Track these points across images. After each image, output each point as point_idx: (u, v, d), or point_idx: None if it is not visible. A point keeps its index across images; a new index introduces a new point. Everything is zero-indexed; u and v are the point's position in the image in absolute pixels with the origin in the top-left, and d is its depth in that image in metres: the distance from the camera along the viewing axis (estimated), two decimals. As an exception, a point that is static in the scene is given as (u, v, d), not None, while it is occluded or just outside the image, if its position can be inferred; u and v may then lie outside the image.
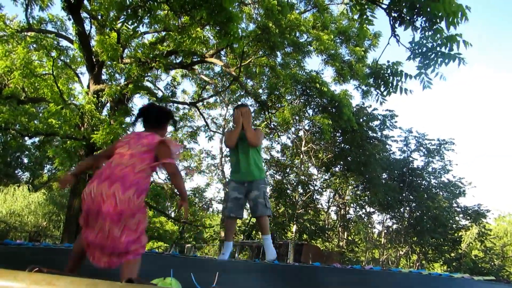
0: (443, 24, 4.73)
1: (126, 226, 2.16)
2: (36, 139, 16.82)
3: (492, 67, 61.07)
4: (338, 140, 18.86)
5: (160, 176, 17.82)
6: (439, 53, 4.97)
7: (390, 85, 5.89)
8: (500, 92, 62.03)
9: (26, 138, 15.21)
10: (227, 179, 25.17)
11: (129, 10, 7.40)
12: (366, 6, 5.54)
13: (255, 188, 3.78)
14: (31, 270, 1.20)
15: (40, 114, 14.92)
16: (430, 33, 4.98)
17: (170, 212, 23.39)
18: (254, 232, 22.74)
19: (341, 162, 19.15)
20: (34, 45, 13.33)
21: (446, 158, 19.46)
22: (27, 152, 22.96)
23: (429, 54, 5.07)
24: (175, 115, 18.21)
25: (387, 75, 5.90)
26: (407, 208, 20.07)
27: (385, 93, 6.04)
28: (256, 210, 3.72)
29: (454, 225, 19.30)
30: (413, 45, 5.17)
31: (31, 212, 21.05)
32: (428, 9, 4.56)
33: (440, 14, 4.46)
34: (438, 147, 19.42)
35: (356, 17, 5.77)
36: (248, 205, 4.05)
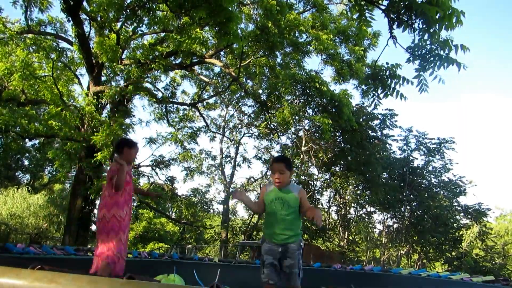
0: (437, 27, 4.75)
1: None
2: (36, 141, 16.85)
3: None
4: (338, 140, 18.86)
5: (160, 178, 17.84)
6: (438, 56, 4.99)
7: (388, 87, 5.89)
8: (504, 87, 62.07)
9: (27, 140, 15.22)
10: (227, 179, 25.24)
11: (128, 11, 7.42)
12: (365, 7, 5.55)
13: (291, 255, 3.37)
14: (34, 267, 1.21)
15: (40, 116, 14.92)
16: (427, 35, 5.00)
17: (171, 213, 23.41)
18: (255, 232, 22.76)
19: (342, 162, 19.16)
20: (34, 47, 13.37)
21: (447, 157, 19.48)
22: (27, 154, 22.98)
23: (428, 56, 5.08)
24: (175, 116, 18.27)
25: (385, 77, 5.91)
26: (408, 207, 20.08)
27: (382, 95, 6.05)
28: (290, 279, 3.38)
29: (455, 224, 19.31)
30: (413, 47, 5.19)
31: (32, 214, 21.06)
32: (424, 11, 4.57)
33: (437, 16, 4.48)
34: (438, 146, 19.43)
35: (355, 17, 5.78)
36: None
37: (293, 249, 3.37)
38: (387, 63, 6.13)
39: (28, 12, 11.90)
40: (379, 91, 6.26)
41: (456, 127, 59.75)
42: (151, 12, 7.60)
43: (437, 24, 4.75)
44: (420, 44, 5.24)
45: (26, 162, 24.79)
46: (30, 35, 13.22)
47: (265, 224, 3.61)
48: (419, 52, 5.27)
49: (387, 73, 6.07)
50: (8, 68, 11.34)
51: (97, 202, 18.68)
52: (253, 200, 3.80)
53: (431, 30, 4.97)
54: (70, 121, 11.83)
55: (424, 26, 5.10)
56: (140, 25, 8.90)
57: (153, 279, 1.62)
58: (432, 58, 5.10)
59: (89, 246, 13.41)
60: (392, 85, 5.98)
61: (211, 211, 28.74)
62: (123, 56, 13.11)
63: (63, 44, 14.62)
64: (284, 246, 3.38)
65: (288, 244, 3.37)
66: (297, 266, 3.36)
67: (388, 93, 6.03)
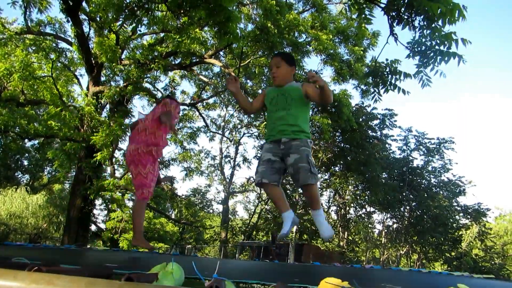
0: (440, 23, 4.74)
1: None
2: (36, 142, 16.83)
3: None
4: (338, 140, 18.86)
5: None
6: (438, 52, 4.98)
7: (388, 83, 5.89)
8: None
9: (26, 140, 15.21)
10: (227, 180, 25.22)
11: (127, 11, 7.41)
12: (364, 6, 5.56)
13: (295, 150, 2.85)
14: (31, 269, 1.20)
15: (40, 117, 14.91)
16: (428, 32, 4.99)
17: (170, 213, 23.40)
18: (254, 232, 22.75)
19: (341, 162, 19.15)
20: (33, 48, 13.35)
21: (446, 157, 19.48)
22: (27, 155, 22.96)
23: (428, 52, 5.08)
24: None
25: (385, 73, 5.91)
26: (407, 208, 20.07)
27: (382, 91, 6.04)
28: (298, 177, 2.81)
29: (454, 224, 19.30)
30: (413, 43, 5.18)
31: (31, 214, 21.05)
32: (426, 8, 4.57)
33: (438, 12, 4.47)
34: (437, 146, 19.43)
35: (354, 16, 5.78)
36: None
37: (297, 145, 2.87)
38: (386, 60, 6.12)
39: (27, 13, 11.89)
40: (380, 87, 6.26)
41: (456, 127, 59.77)
42: (150, 13, 7.59)
43: (440, 20, 4.73)
44: (420, 40, 5.23)
45: (25, 162, 24.79)
46: (29, 36, 13.21)
47: (267, 126, 3.18)
48: (419, 49, 5.27)
49: (387, 69, 6.07)
50: (8, 69, 11.33)
51: (97, 202, 18.71)
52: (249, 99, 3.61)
53: (433, 26, 4.97)
54: (69, 121, 11.82)
55: (424, 23, 5.10)
56: (139, 25, 8.90)
57: (151, 274, 1.61)
58: (432, 54, 5.10)
59: (88, 246, 13.41)
60: (393, 81, 5.99)
61: (211, 211, 28.76)
62: (123, 56, 13.10)
63: (62, 45, 14.63)
64: (287, 143, 2.90)
65: (291, 141, 2.89)
66: (306, 161, 2.81)
67: (389, 88, 6.03)
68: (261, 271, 4.03)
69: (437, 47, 4.99)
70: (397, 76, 5.76)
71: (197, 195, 26.60)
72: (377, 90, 6.18)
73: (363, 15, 5.49)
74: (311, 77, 2.80)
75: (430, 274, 5.00)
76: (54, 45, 14.06)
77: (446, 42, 4.82)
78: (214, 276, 1.53)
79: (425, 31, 5.01)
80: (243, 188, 27.19)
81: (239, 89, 3.26)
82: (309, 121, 3.18)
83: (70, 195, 13.51)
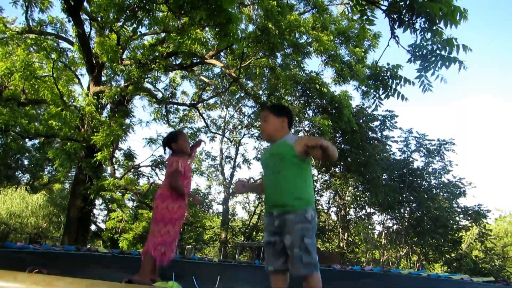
0: (442, 25, 4.74)
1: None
2: (36, 141, 16.85)
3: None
4: (338, 141, 18.85)
5: (160, 178, 17.81)
6: (439, 56, 4.98)
7: (389, 88, 5.88)
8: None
9: (27, 140, 15.23)
10: (227, 180, 25.23)
11: (128, 12, 7.42)
12: (366, 7, 5.56)
13: (289, 229, 2.44)
14: (31, 271, 1.20)
15: (40, 116, 14.93)
16: (429, 34, 4.99)
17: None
18: (254, 233, 22.75)
19: (341, 163, 19.14)
20: (34, 47, 13.37)
21: (446, 158, 19.46)
22: (27, 154, 22.97)
23: (429, 56, 5.08)
24: (175, 117, 18.25)
25: (386, 77, 5.90)
26: (407, 209, 20.06)
27: (383, 96, 6.04)
28: (291, 267, 2.43)
29: (454, 226, 19.28)
30: (414, 47, 5.18)
31: (31, 213, 21.06)
32: (427, 10, 4.57)
33: (440, 13, 4.47)
34: (438, 148, 19.41)
35: (356, 17, 5.79)
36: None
37: (291, 221, 2.42)
38: (388, 64, 6.12)
39: (29, 12, 11.92)
40: (380, 92, 6.26)
41: (456, 129, 59.77)
42: (151, 13, 7.60)
43: (442, 21, 4.73)
44: (421, 44, 5.23)
45: (25, 162, 24.80)
46: (31, 35, 13.23)
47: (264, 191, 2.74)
48: (420, 53, 5.27)
49: (388, 74, 6.07)
50: (9, 68, 11.34)
51: (97, 202, 18.71)
52: (258, 183, 3.28)
53: (434, 28, 4.97)
54: (70, 121, 11.84)
55: (426, 25, 5.10)
56: (140, 26, 8.91)
57: (151, 283, 1.61)
58: (433, 58, 5.10)
59: (88, 246, 13.41)
60: (393, 86, 5.99)
61: (211, 211, 28.76)
62: (123, 56, 13.12)
63: (63, 44, 14.65)
64: (280, 217, 2.48)
65: (285, 215, 2.46)
66: (299, 245, 2.37)
67: (390, 93, 6.03)
68: (261, 276, 4.02)
69: (438, 51, 4.99)
70: (398, 81, 5.75)
71: (197, 195, 26.59)
72: (377, 95, 6.17)
73: (366, 16, 5.49)
74: (310, 148, 2.44)
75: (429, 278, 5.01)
76: (55, 44, 14.08)
77: (447, 48, 4.81)
78: None
79: (426, 34, 5.01)
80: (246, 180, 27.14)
81: (252, 185, 3.22)
82: (311, 180, 2.66)
83: (70, 195, 13.52)
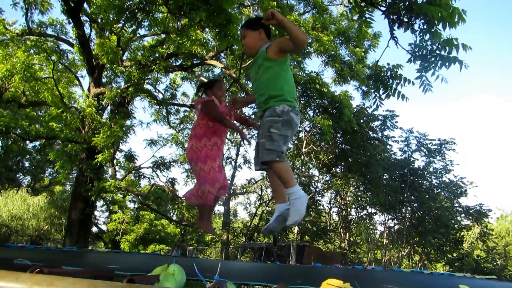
0: (440, 27, 4.74)
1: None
2: (37, 143, 16.86)
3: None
4: (339, 141, 18.85)
5: (161, 180, 17.83)
6: (439, 56, 4.98)
7: (389, 88, 5.88)
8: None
9: (27, 141, 15.24)
10: (228, 181, 25.20)
11: (128, 13, 7.43)
12: (365, 9, 5.56)
13: (262, 125, 2.59)
14: (33, 271, 1.20)
15: (41, 118, 14.93)
16: (428, 36, 4.99)
17: (171, 215, 23.40)
18: (255, 234, 22.73)
19: (342, 163, 19.14)
20: (34, 49, 13.38)
21: (447, 158, 19.46)
22: (28, 156, 22.98)
23: (429, 57, 5.07)
24: (176, 118, 18.26)
25: (387, 77, 5.90)
26: (409, 209, 20.05)
27: (383, 96, 6.04)
28: (256, 156, 2.62)
29: (456, 225, 19.27)
30: (413, 47, 5.18)
31: (33, 215, 21.06)
32: (425, 12, 4.57)
33: (439, 15, 4.47)
34: (439, 147, 19.41)
35: (356, 17, 5.77)
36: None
37: (265, 117, 2.56)
38: (388, 64, 6.12)
39: (29, 14, 11.94)
40: (381, 92, 6.26)
41: (457, 128, 59.73)
42: (151, 15, 7.61)
43: (441, 23, 4.74)
44: (421, 44, 5.23)
45: (26, 164, 24.81)
46: (31, 37, 13.24)
47: None
48: (420, 53, 5.27)
49: (389, 74, 6.07)
50: (9, 70, 11.35)
51: (98, 204, 18.73)
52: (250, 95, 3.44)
53: (433, 30, 4.97)
54: (71, 123, 11.84)
55: (424, 26, 5.10)
56: (140, 27, 8.91)
57: (152, 276, 1.61)
58: (433, 58, 5.10)
59: (90, 248, 13.41)
60: (394, 86, 5.99)
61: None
62: (124, 57, 13.12)
63: (63, 46, 14.66)
64: (262, 119, 2.63)
65: (263, 115, 2.61)
66: (265, 135, 2.47)
67: (390, 93, 6.03)
68: (262, 272, 4.03)
69: (438, 51, 4.99)
70: (398, 81, 5.75)
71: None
72: (378, 95, 6.17)
73: (364, 18, 5.49)
74: (265, 19, 2.57)
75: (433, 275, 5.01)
76: (55, 46, 14.10)
77: (447, 48, 4.81)
78: (216, 278, 1.52)
79: (425, 35, 5.01)
80: (244, 189, 27.19)
81: (245, 98, 3.50)
82: (288, 79, 2.71)
83: (72, 196, 13.52)
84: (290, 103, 2.59)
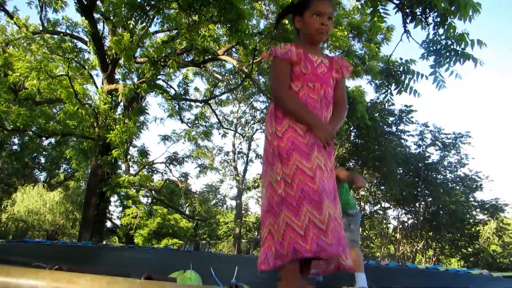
0: (456, 19, 4.67)
1: None
2: (53, 140, 17.09)
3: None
4: (352, 135, 18.75)
5: (174, 175, 17.96)
6: (453, 51, 4.91)
7: (401, 83, 5.82)
8: (517, 84, 60.94)
9: (43, 138, 15.47)
10: (240, 175, 25.32)
11: (138, 10, 7.47)
12: (378, 2, 5.49)
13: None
14: (52, 268, 1.23)
15: (56, 115, 15.12)
16: (442, 30, 4.93)
17: (184, 209, 23.57)
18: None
19: (356, 157, 19.03)
20: (47, 47, 13.55)
21: (462, 151, 19.19)
22: (44, 153, 23.32)
23: (443, 52, 5.01)
24: (190, 113, 18.30)
25: (399, 72, 5.85)
26: (423, 203, 19.87)
27: (395, 92, 5.98)
28: None
29: (471, 220, 19.03)
30: (428, 42, 5.12)
31: (49, 210, 21.41)
32: (443, 4, 4.49)
33: (452, 8, 4.41)
34: (454, 141, 19.16)
35: (369, 11, 5.71)
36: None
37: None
38: (401, 59, 6.06)
39: (43, 12, 12.09)
40: (393, 87, 6.21)
41: (473, 121, 58.88)
42: (162, 11, 7.64)
43: (457, 16, 4.67)
44: (435, 39, 5.16)
45: (42, 160, 25.19)
46: (46, 35, 13.42)
47: None
48: (434, 48, 5.20)
49: (401, 69, 6.02)
50: (27, 68, 11.51)
51: (112, 199, 18.93)
52: None
53: (447, 23, 4.90)
54: (85, 119, 11.99)
55: (438, 19, 5.03)
56: (151, 24, 8.95)
57: (169, 277, 1.63)
58: (447, 54, 5.03)
59: (104, 242, 13.60)
60: (406, 81, 5.93)
61: (225, 206, 28.90)
62: (137, 54, 13.21)
63: (78, 44, 14.81)
64: None
65: None
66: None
67: (402, 89, 5.97)
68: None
69: (452, 46, 4.93)
70: (411, 76, 5.69)
71: (211, 192, 26.75)
72: (389, 90, 6.12)
73: (378, 14, 5.43)
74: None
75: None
76: (70, 44, 14.25)
77: (463, 43, 4.75)
78: (233, 282, 1.53)
79: (439, 29, 4.94)
80: (256, 183, 27.28)
81: None
82: None
83: (86, 192, 13.71)
84: None
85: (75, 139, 13.57)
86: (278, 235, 1.75)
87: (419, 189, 19.05)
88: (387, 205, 20.34)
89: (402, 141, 19.48)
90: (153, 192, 15.47)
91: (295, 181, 1.78)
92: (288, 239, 1.70)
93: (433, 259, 19.27)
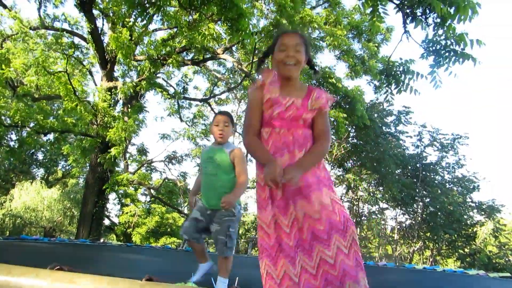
0: (456, 20, 4.68)
1: None
2: (51, 136, 17.08)
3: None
4: (351, 136, 18.76)
5: (173, 173, 17.94)
6: (453, 51, 4.93)
7: (401, 83, 5.84)
8: None
9: (42, 135, 15.42)
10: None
11: (138, 7, 7.46)
12: (378, 2, 5.49)
13: (218, 220, 2.99)
14: (53, 268, 1.22)
15: (54, 112, 15.09)
16: (441, 30, 4.94)
17: (183, 208, 23.57)
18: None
19: (354, 158, 19.05)
20: (43, 43, 13.50)
21: (460, 152, 19.24)
22: (42, 149, 23.27)
23: (442, 52, 5.02)
24: (189, 112, 18.29)
25: (399, 72, 5.86)
26: (420, 204, 19.90)
27: (395, 91, 6.00)
28: (216, 248, 3.01)
29: (468, 221, 19.08)
30: (427, 42, 5.13)
31: (46, 207, 21.37)
32: (442, 6, 4.50)
33: (452, 10, 4.42)
34: (452, 142, 19.20)
35: (368, 11, 5.71)
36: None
37: (222, 215, 2.98)
38: (400, 59, 6.07)
39: (42, 8, 12.05)
40: (393, 87, 6.22)
41: (470, 123, 59.05)
42: (161, 9, 7.62)
43: (456, 17, 4.68)
44: (434, 39, 5.17)
45: (40, 157, 25.14)
46: (44, 31, 13.37)
47: (201, 185, 3.22)
48: (434, 48, 5.21)
49: (401, 69, 6.03)
50: (25, 64, 11.47)
51: (110, 197, 18.91)
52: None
53: (447, 24, 4.91)
54: (84, 116, 11.96)
55: (438, 20, 5.03)
56: (150, 22, 8.93)
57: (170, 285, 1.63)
58: (447, 54, 5.04)
59: (102, 240, 13.59)
60: (406, 81, 5.94)
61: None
62: (136, 51, 13.18)
63: (77, 40, 14.78)
64: (213, 210, 3.05)
65: (218, 210, 3.01)
66: (224, 233, 2.93)
67: (402, 88, 5.99)
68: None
69: (451, 46, 4.94)
70: (410, 76, 5.71)
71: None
72: (389, 90, 6.14)
73: (377, 13, 5.43)
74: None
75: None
76: (68, 40, 14.20)
77: (462, 43, 4.76)
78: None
79: (439, 29, 4.95)
80: (255, 183, 27.26)
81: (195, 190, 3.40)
82: None
83: (85, 189, 13.69)
84: (240, 202, 3.12)
85: (74, 136, 13.53)
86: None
87: (417, 190, 19.08)
88: (385, 205, 20.37)
89: (401, 142, 19.51)
90: (151, 190, 15.46)
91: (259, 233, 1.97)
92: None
93: (430, 260, 19.31)
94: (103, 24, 13.08)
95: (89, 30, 11.78)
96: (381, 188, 19.08)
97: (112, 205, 23.61)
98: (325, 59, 39.01)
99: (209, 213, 3.05)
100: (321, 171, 2.00)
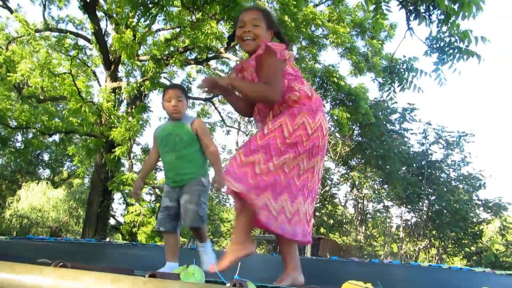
0: (460, 17, 4.65)
1: None
2: (56, 137, 17.17)
3: None
4: (356, 134, 18.71)
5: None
6: (457, 49, 4.90)
7: (404, 81, 5.82)
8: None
9: (47, 136, 15.51)
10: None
11: (141, 7, 7.48)
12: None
13: (187, 190, 2.86)
14: (56, 265, 1.23)
15: (59, 113, 15.15)
16: (445, 27, 4.91)
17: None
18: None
19: (359, 156, 19.01)
20: (49, 42, 13.55)
21: (466, 150, 19.13)
22: (48, 150, 23.39)
23: (446, 49, 5.00)
24: (193, 111, 18.32)
25: (402, 70, 5.84)
26: (426, 202, 19.83)
27: (398, 89, 5.98)
28: (186, 219, 2.83)
29: (474, 219, 18.98)
30: (431, 39, 5.10)
31: (52, 208, 21.50)
32: (446, 3, 4.47)
33: (456, 7, 4.39)
34: (457, 139, 19.10)
35: (371, 8, 5.69)
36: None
37: (191, 185, 2.85)
38: (404, 56, 6.05)
39: (47, 10, 12.10)
40: (396, 84, 6.20)
41: (476, 120, 58.70)
42: (164, 9, 7.63)
43: (460, 14, 4.65)
44: (438, 36, 5.15)
45: (46, 158, 25.27)
46: (48, 33, 13.44)
47: (163, 166, 3.07)
48: (438, 45, 5.19)
49: (404, 67, 6.00)
50: (31, 68, 11.52)
51: (115, 197, 18.98)
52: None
53: (451, 21, 4.88)
54: (89, 117, 12.01)
55: (442, 17, 5.01)
56: (153, 22, 8.95)
57: (173, 274, 1.63)
58: (451, 51, 5.02)
59: (107, 239, 13.65)
60: (409, 79, 5.92)
61: (228, 204, 28.91)
62: (140, 51, 13.21)
63: (81, 42, 14.84)
64: (180, 187, 2.89)
65: (185, 185, 2.87)
66: (195, 202, 2.79)
67: (405, 86, 5.96)
68: (277, 265, 4.04)
69: (456, 43, 4.91)
70: (414, 74, 5.68)
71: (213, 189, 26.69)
72: (392, 88, 6.11)
73: (380, 10, 5.41)
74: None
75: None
76: (72, 41, 14.26)
77: (466, 40, 4.73)
78: (235, 277, 1.54)
79: (443, 26, 4.92)
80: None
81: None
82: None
83: (90, 189, 13.76)
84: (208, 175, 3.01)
85: (79, 136, 13.59)
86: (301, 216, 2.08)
87: (422, 188, 19.01)
88: (390, 203, 20.31)
89: (406, 139, 19.43)
90: (156, 189, 15.49)
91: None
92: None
93: (436, 258, 19.24)
94: (106, 25, 13.14)
95: (93, 31, 11.83)
96: (386, 186, 19.02)
97: (117, 205, 23.73)
98: (329, 57, 38.87)
99: (177, 191, 2.90)
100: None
